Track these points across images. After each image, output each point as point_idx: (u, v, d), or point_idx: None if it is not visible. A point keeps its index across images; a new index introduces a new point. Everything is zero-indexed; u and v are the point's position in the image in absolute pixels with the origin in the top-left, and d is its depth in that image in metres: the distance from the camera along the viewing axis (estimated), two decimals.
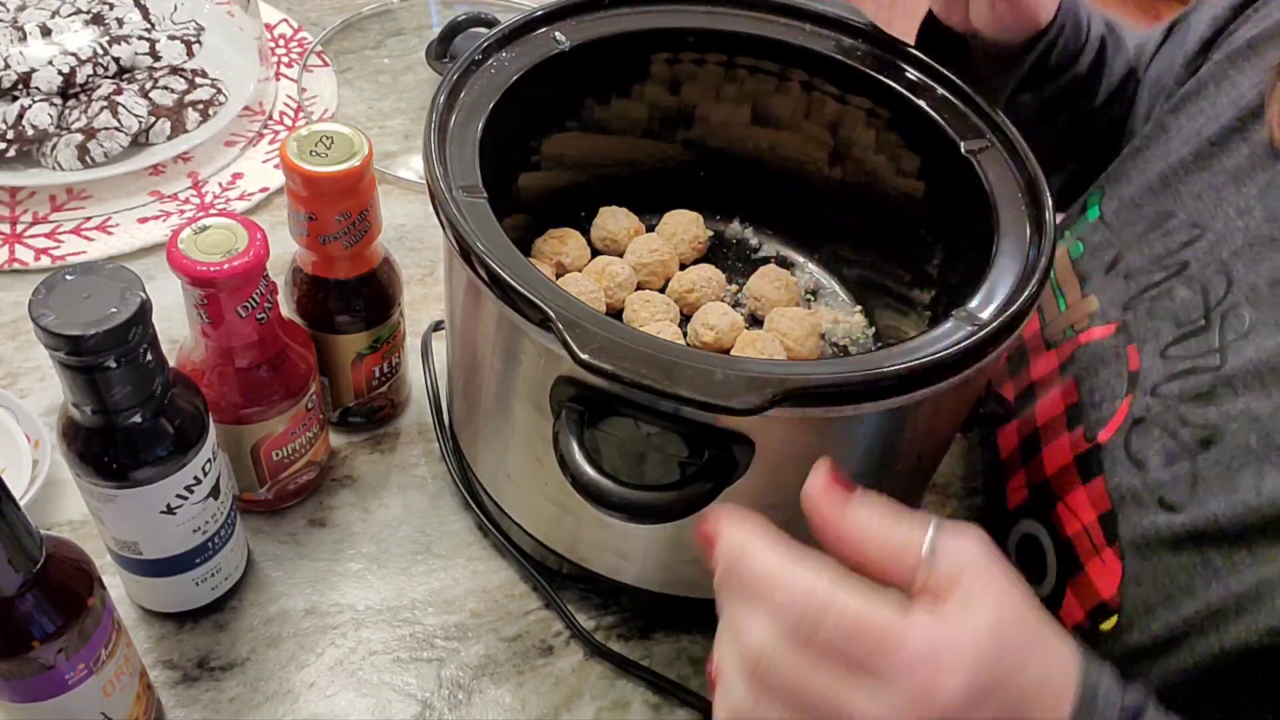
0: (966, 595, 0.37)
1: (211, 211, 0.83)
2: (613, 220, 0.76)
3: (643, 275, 0.74)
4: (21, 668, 0.47)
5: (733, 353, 0.70)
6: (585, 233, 0.77)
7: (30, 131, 0.81)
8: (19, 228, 0.81)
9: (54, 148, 0.82)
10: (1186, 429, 0.54)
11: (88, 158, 0.82)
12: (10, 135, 0.81)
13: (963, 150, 0.62)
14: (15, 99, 0.83)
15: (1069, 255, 0.69)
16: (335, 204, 0.59)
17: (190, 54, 0.90)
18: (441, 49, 0.92)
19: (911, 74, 0.67)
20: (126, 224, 0.82)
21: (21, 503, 0.62)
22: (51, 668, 0.47)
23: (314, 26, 1.01)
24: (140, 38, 0.88)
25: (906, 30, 0.69)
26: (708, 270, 0.75)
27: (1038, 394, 0.67)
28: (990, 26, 0.65)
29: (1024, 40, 0.67)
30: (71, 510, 0.66)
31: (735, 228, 0.81)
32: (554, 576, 0.65)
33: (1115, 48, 0.74)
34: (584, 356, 0.48)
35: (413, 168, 0.90)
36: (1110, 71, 0.74)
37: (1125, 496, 0.56)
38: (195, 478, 0.54)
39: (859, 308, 0.77)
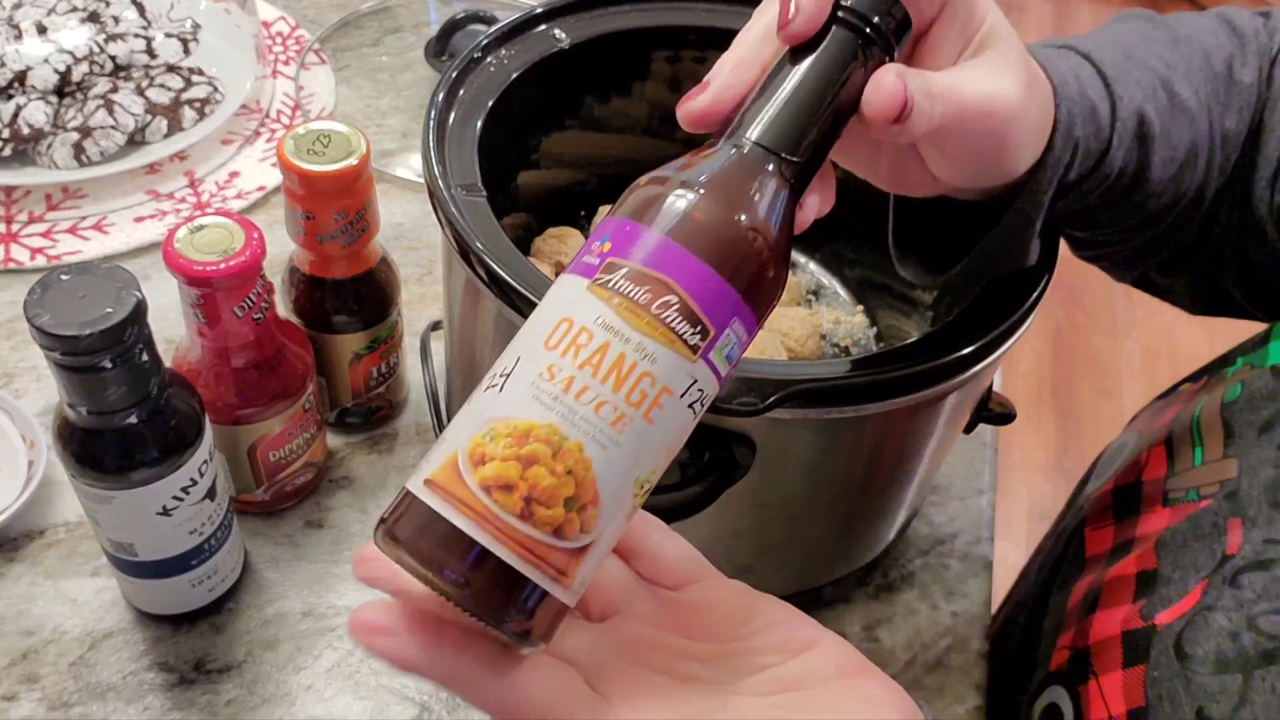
0: None
1: (208, 210, 0.83)
2: None
3: None
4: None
5: None
6: (585, 232, 0.76)
7: (26, 130, 0.81)
8: (14, 227, 0.81)
9: (50, 146, 0.81)
10: (1251, 634, 0.47)
11: (84, 156, 0.81)
12: (6, 134, 0.81)
13: None
14: (11, 97, 0.82)
15: (1222, 399, 0.57)
16: (332, 203, 0.58)
17: (187, 52, 0.89)
18: (440, 47, 0.92)
19: None
20: (122, 223, 0.82)
21: (17, 504, 0.62)
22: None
23: (311, 24, 1.00)
24: (136, 35, 0.88)
25: None
26: None
27: (1131, 551, 0.57)
28: (954, 176, 0.46)
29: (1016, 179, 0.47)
30: (68, 511, 0.65)
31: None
32: None
33: (1174, 121, 0.52)
34: None
35: (411, 166, 0.89)
36: (1169, 148, 0.51)
37: (1163, 697, 0.48)
38: (191, 479, 0.54)
39: (860, 308, 0.76)
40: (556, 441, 0.33)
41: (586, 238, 0.39)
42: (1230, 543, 0.50)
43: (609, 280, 0.34)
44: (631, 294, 0.34)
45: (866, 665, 0.37)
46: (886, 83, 0.37)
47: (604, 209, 0.77)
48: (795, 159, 0.37)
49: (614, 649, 0.36)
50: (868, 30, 0.38)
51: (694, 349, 0.34)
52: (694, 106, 0.39)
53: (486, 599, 0.33)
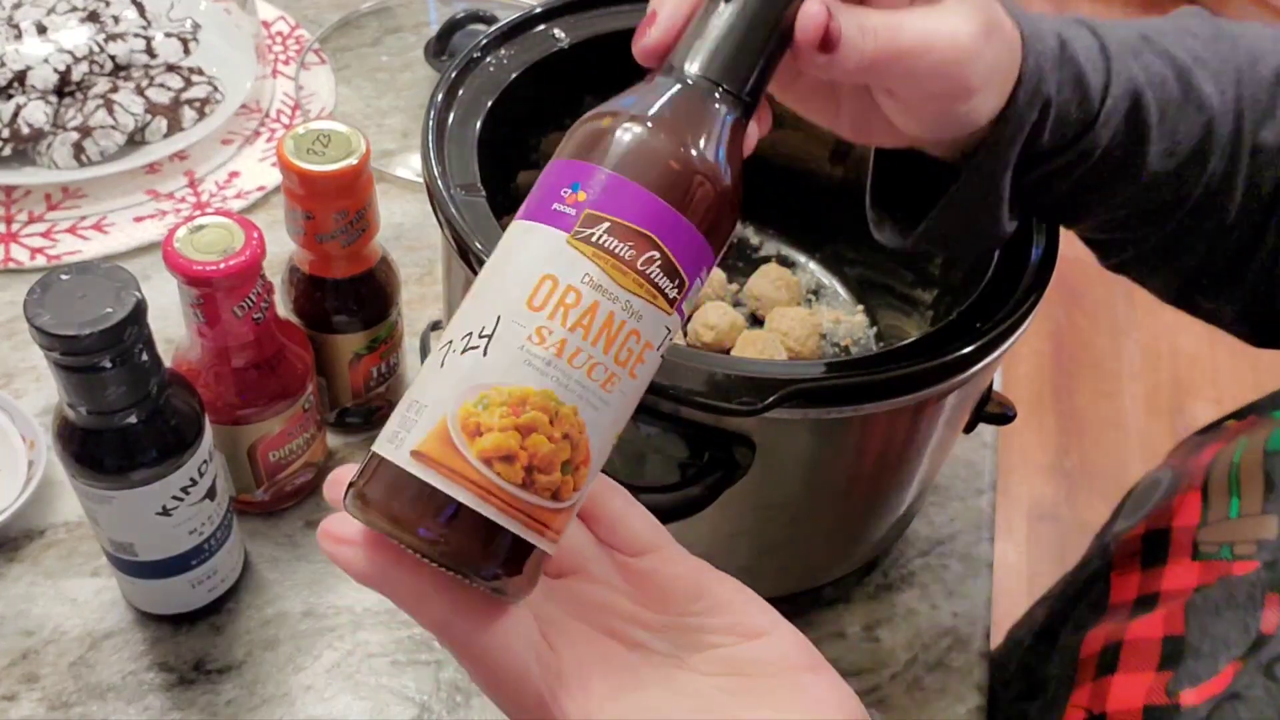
0: None
1: (208, 210, 0.83)
2: None
3: None
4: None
5: (733, 353, 0.70)
6: None
7: (26, 130, 0.81)
8: (14, 227, 0.81)
9: (49, 146, 0.81)
10: None
11: (83, 156, 0.81)
12: (5, 134, 0.81)
13: None
14: (10, 97, 0.82)
15: (1265, 446, 0.54)
16: (332, 203, 0.58)
17: (187, 51, 0.89)
18: (440, 46, 0.92)
19: None
20: (122, 223, 0.82)
21: (17, 504, 0.62)
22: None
23: (311, 24, 1.00)
24: (136, 35, 0.87)
25: None
26: None
27: (1156, 607, 0.54)
28: (911, 124, 0.44)
29: (978, 133, 0.45)
30: (67, 511, 0.65)
31: (736, 227, 0.80)
32: None
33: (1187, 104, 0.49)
34: None
35: (411, 166, 0.89)
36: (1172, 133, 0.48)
37: None
38: (191, 479, 0.54)
39: (860, 307, 0.76)
40: (553, 407, 0.32)
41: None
42: (1267, 620, 0.47)
43: (591, 235, 0.33)
44: (618, 251, 0.33)
45: (818, 662, 0.36)
46: (811, 11, 0.37)
47: None
48: (747, 96, 0.37)
49: (566, 606, 0.36)
50: None
51: (671, 302, 0.35)
52: (648, 43, 0.38)
53: (482, 563, 0.33)
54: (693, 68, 0.37)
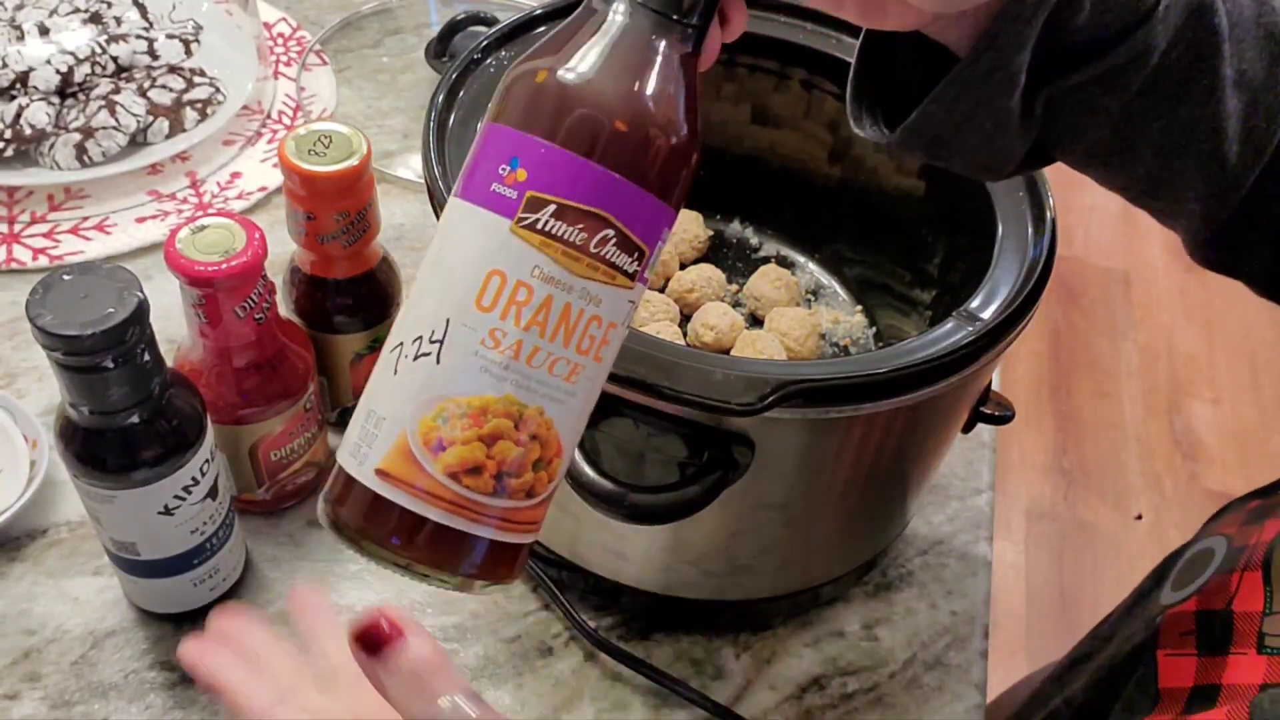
0: None
1: (209, 211, 0.83)
2: None
3: None
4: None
5: (733, 353, 0.70)
6: None
7: (28, 131, 0.81)
8: (16, 227, 0.81)
9: (52, 147, 0.81)
10: None
11: (85, 157, 0.82)
12: (8, 135, 0.81)
13: None
14: (13, 98, 0.83)
15: None
16: (333, 203, 0.58)
17: (188, 53, 0.89)
18: (441, 48, 0.92)
19: None
20: (124, 223, 0.82)
21: (19, 503, 0.62)
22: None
23: (313, 25, 1.00)
24: (138, 36, 0.88)
25: None
26: (708, 270, 0.75)
27: (1218, 702, 0.49)
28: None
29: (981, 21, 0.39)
30: (70, 510, 0.65)
31: (735, 227, 0.81)
32: (553, 578, 0.64)
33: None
34: None
35: (412, 167, 0.90)
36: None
37: None
38: (193, 478, 0.54)
39: (859, 307, 0.76)
40: (516, 411, 0.31)
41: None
42: None
43: (536, 221, 0.30)
44: (566, 236, 0.30)
45: None
46: None
47: None
48: (696, 20, 0.32)
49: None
50: None
51: (632, 275, 0.32)
52: None
53: (460, 569, 0.32)
54: None
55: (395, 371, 0.32)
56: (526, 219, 0.30)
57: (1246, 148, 0.42)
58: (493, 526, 0.32)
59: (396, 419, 0.31)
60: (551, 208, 0.30)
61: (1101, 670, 0.60)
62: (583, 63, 0.31)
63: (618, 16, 0.32)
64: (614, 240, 0.31)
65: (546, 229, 0.30)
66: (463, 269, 0.31)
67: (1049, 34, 0.38)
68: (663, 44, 0.32)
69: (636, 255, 0.32)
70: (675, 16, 0.32)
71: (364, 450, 0.32)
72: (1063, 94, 0.40)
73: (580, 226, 0.30)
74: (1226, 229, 0.46)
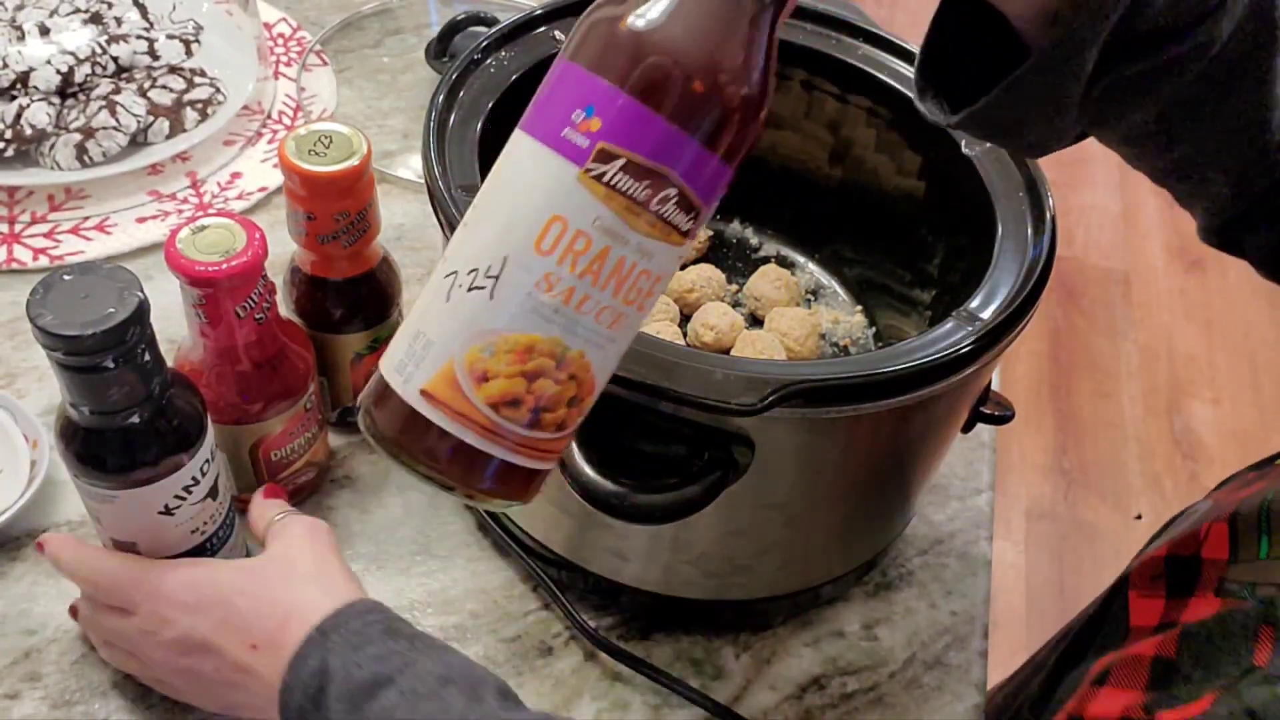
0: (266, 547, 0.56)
1: (210, 211, 0.83)
2: None
3: None
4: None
5: (733, 353, 0.70)
6: None
7: (28, 131, 0.81)
8: (17, 227, 0.81)
9: (52, 147, 0.81)
10: None
11: (86, 157, 0.82)
12: (8, 135, 0.81)
13: (964, 149, 0.62)
14: (14, 98, 0.83)
15: None
16: (334, 203, 0.58)
17: (189, 53, 0.90)
18: (441, 48, 0.92)
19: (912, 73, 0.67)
20: (125, 224, 0.82)
21: (19, 503, 0.62)
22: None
23: (313, 25, 1.01)
24: (139, 37, 0.88)
25: (907, 30, 0.69)
26: (708, 270, 0.75)
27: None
28: None
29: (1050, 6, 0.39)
30: (70, 511, 0.65)
31: (735, 228, 0.81)
32: (553, 577, 0.64)
33: None
34: None
35: (412, 167, 0.90)
36: None
37: None
38: (194, 478, 0.54)
39: (859, 307, 0.77)
40: (560, 352, 0.32)
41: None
42: (1260, 652, 0.45)
43: (604, 174, 0.31)
44: (631, 192, 0.31)
45: None
46: None
47: None
48: None
49: None
50: None
51: (685, 234, 0.33)
52: None
53: (483, 487, 0.34)
54: None
55: (448, 299, 0.33)
56: (595, 170, 0.31)
57: None
58: (520, 454, 0.34)
59: (445, 345, 0.33)
60: (621, 161, 0.31)
61: (1083, 618, 0.64)
62: (667, 15, 0.31)
63: None
64: (675, 199, 0.31)
65: (613, 182, 0.31)
66: (526, 209, 0.32)
67: (1121, 23, 0.38)
68: (754, 4, 0.31)
69: (693, 214, 0.32)
70: None
71: (409, 369, 0.33)
72: (1122, 80, 0.40)
73: (647, 183, 0.31)
74: (1241, 213, 0.47)
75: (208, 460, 0.55)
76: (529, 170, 0.32)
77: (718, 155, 0.32)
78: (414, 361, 0.33)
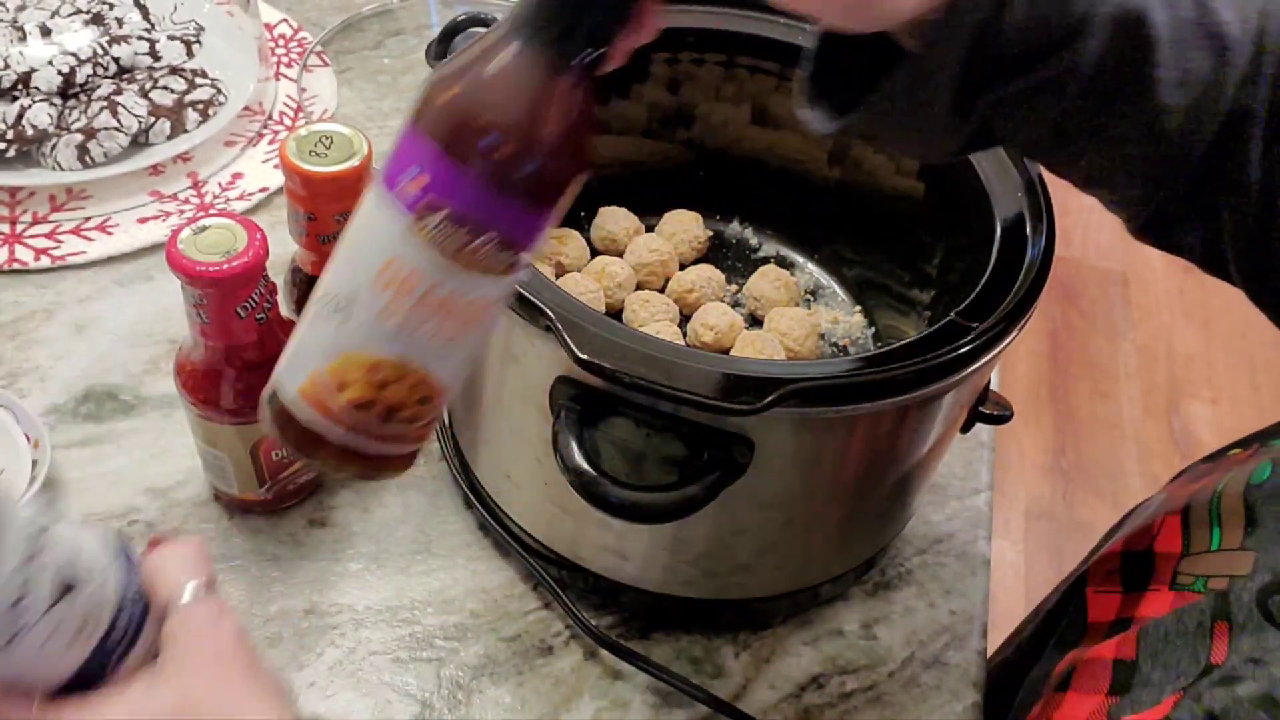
0: (160, 669, 0.40)
1: (211, 211, 0.83)
2: (612, 220, 0.76)
3: (642, 275, 0.75)
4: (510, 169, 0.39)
5: (733, 353, 0.70)
6: (585, 233, 0.77)
7: (30, 131, 0.81)
8: (19, 228, 0.81)
9: (54, 148, 0.82)
10: None
11: (87, 158, 0.82)
12: (10, 135, 0.81)
13: None
14: (15, 99, 0.83)
15: (1249, 479, 0.51)
16: (334, 204, 0.59)
17: (190, 54, 0.90)
18: (441, 49, 0.92)
19: None
20: (126, 224, 0.82)
21: (21, 503, 0.62)
22: None
23: (314, 26, 1.01)
24: (140, 38, 0.88)
25: None
26: (707, 270, 0.75)
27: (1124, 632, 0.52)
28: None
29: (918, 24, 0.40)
30: (71, 511, 0.66)
31: (735, 228, 0.81)
32: (554, 577, 0.65)
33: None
34: (583, 357, 0.48)
35: None
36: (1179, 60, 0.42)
37: None
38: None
39: (859, 308, 0.77)
40: (401, 367, 0.38)
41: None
42: (1216, 649, 0.45)
43: (428, 225, 0.36)
44: (452, 239, 0.36)
45: None
46: None
47: (604, 210, 0.77)
48: (583, 60, 0.35)
49: None
50: None
51: (511, 266, 0.37)
52: None
53: (358, 469, 0.41)
54: (521, 21, 0.35)
55: (314, 320, 0.39)
56: (421, 221, 0.36)
57: (1192, 140, 0.43)
58: (384, 443, 0.40)
59: (313, 357, 0.39)
60: (443, 213, 0.36)
61: (1042, 612, 0.65)
62: (481, 86, 0.36)
63: (515, 44, 0.36)
64: (495, 242, 0.36)
65: (436, 232, 0.36)
66: (369, 250, 0.37)
67: (983, 47, 0.40)
68: (556, 77, 0.36)
69: (514, 251, 0.37)
70: (566, 58, 0.35)
71: (292, 372, 0.40)
72: (1002, 99, 0.42)
73: (466, 231, 0.36)
74: (1165, 212, 0.47)
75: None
76: (373, 217, 0.38)
77: (528, 206, 0.36)
78: (293, 367, 0.40)
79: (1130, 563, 0.57)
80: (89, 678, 0.39)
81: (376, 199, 0.37)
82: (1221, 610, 0.46)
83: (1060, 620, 0.62)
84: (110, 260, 0.79)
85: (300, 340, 0.40)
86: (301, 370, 0.39)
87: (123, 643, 0.39)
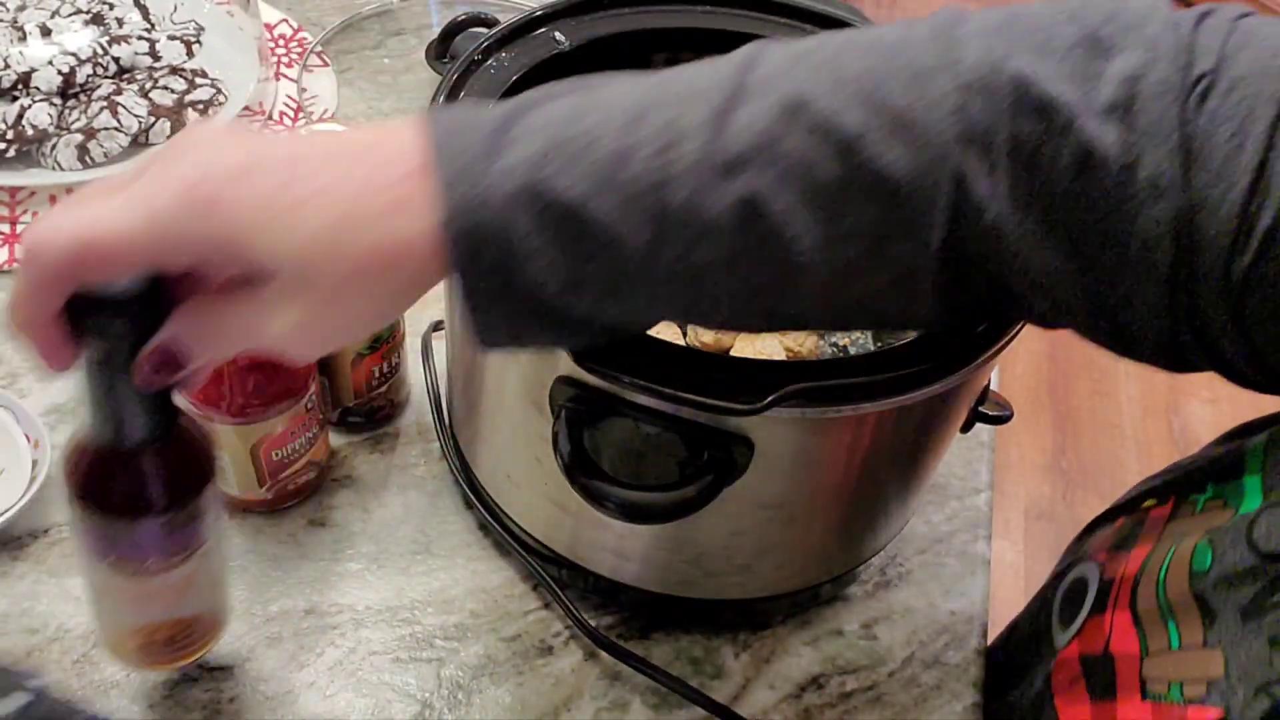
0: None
1: None
2: None
3: None
4: (120, 529, 0.47)
5: (733, 353, 0.70)
6: None
7: (30, 131, 0.81)
8: (19, 228, 0.81)
9: (54, 148, 0.82)
10: None
11: (88, 158, 0.82)
12: (10, 135, 0.81)
13: None
14: (15, 99, 0.83)
15: (1190, 565, 0.46)
16: None
17: (190, 54, 0.90)
18: (441, 49, 0.92)
19: None
20: None
21: (21, 502, 0.62)
22: (145, 540, 0.48)
23: (314, 26, 1.01)
24: (140, 38, 0.88)
25: None
26: None
27: None
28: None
29: None
30: None
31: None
32: (554, 576, 0.65)
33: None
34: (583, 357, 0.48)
35: None
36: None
37: None
38: None
39: None
40: (153, 624, 0.53)
41: None
42: None
43: (107, 562, 0.49)
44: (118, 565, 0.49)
45: None
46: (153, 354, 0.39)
47: None
48: (146, 438, 0.44)
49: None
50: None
51: (151, 570, 0.50)
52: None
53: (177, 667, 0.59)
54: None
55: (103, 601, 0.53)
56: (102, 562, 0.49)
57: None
58: (177, 652, 0.55)
59: (101, 628, 0.56)
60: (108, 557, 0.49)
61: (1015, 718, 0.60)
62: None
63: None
64: (148, 563, 0.49)
65: (110, 565, 0.49)
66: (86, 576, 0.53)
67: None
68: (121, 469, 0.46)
69: (143, 561, 0.48)
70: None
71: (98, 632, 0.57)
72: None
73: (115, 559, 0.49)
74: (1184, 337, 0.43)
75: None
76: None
77: (153, 548, 0.48)
78: (97, 628, 0.57)
79: (1090, 668, 0.52)
80: None
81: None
82: None
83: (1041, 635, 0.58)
84: None
85: (95, 610, 0.54)
86: (101, 633, 0.56)
87: None
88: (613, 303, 0.41)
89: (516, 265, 0.38)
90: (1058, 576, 0.62)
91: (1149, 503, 0.57)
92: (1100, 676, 0.51)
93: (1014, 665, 0.63)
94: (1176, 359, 0.44)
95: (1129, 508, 0.59)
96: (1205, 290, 0.39)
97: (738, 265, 0.40)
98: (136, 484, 0.45)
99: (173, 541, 0.48)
